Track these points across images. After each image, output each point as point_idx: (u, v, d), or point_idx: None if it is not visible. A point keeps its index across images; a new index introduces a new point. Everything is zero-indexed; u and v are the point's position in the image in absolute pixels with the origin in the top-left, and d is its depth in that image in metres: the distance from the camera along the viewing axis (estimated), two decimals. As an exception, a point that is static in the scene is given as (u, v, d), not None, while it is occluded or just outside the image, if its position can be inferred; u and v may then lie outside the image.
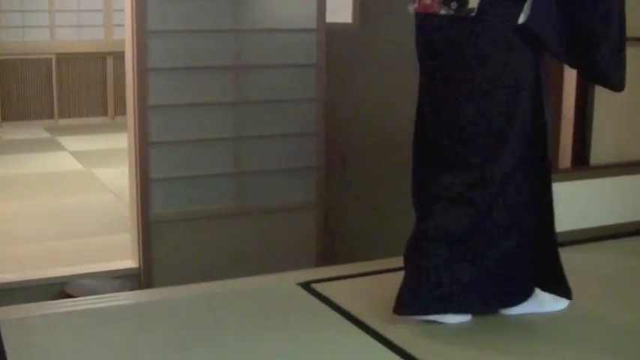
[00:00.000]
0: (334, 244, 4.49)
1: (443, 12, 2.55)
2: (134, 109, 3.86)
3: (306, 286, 2.92)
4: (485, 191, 2.58)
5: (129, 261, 4.02)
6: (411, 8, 2.71)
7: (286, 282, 2.98)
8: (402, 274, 2.91)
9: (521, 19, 2.49)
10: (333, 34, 4.35)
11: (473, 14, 2.49)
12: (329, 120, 4.44)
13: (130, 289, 3.80)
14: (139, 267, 3.94)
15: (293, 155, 4.16)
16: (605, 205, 3.58)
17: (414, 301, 2.61)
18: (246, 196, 4.09)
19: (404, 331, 2.55)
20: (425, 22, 2.65)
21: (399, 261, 3.25)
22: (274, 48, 4.07)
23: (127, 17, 3.85)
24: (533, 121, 2.59)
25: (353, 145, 4.87)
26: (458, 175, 2.62)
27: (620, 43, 2.59)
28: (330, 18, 4.32)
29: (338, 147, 4.67)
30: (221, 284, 3.00)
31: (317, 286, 2.91)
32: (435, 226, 2.63)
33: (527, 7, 2.49)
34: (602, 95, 3.54)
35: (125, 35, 3.92)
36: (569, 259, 2.78)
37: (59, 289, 3.77)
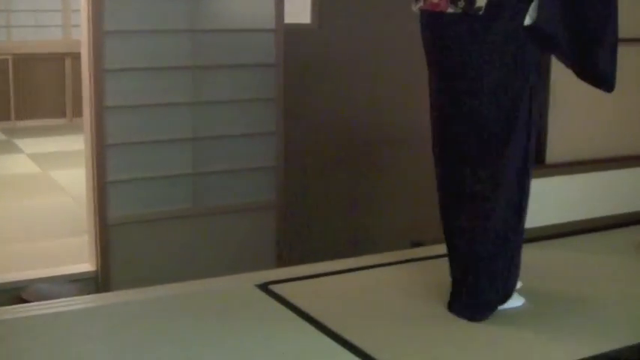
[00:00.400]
0: (294, 244, 4.49)
1: (450, 10, 2.56)
2: (90, 110, 3.82)
3: (264, 287, 2.91)
4: (498, 189, 2.64)
5: (86, 264, 3.98)
6: (416, 7, 2.74)
7: (244, 283, 2.97)
8: (360, 273, 2.95)
9: (527, 21, 2.53)
10: (291, 34, 4.35)
11: (481, 12, 2.51)
12: (288, 119, 4.43)
13: (88, 293, 3.75)
14: (97, 270, 3.90)
15: (252, 155, 4.14)
16: (559, 204, 3.63)
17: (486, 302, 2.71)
18: (205, 197, 4.07)
19: (361, 332, 2.55)
20: (431, 20, 2.67)
21: (356, 261, 3.29)
22: (233, 48, 4.05)
23: (83, 17, 3.81)
24: (529, 120, 2.64)
25: (312, 144, 4.87)
26: (477, 172, 2.66)
27: (616, 42, 2.65)
28: (289, 18, 4.31)
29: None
30: (179, 286, 2.97)
31: (275, 287, 2.91)
32: (484, 225, 2.68)
33: (532, 9, 2.53)
34: (556, 95, 3.59)
35: (81, 36, 3.88)
36: (523, 256, 2.82)
37: (15, 294, 3.72)
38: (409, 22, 4.96)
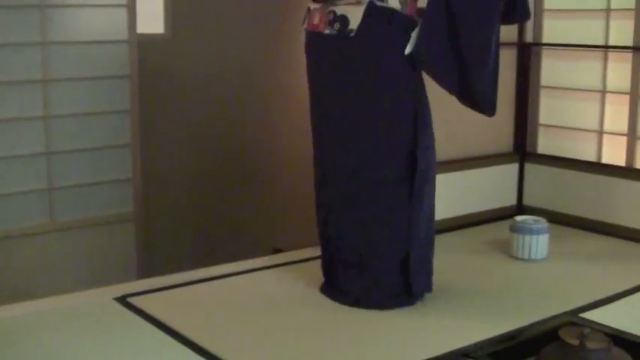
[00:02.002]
0: (155, 255, 4.48)
1: (327, 32, 2.82)
2: (-64, 127, 3.70)
3: (123, 300, 2.91)
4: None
5: (-61, 285, 3.85)
6: (302, 27, 2.99)
7: (102, 297, 2.95)
8: (220, 281, 2.98)
9: (408, 49, 2.72)
10: (145, 44, 4.33)
11: (352, 35, 2.74)
12: (146, 131, 4.42)
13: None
14: (-49, 291, 3.78)
15: (109, 168, 4.11)
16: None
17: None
18: (61, 212, 4.01)
19: (220, 340, 2.59)
20: (312, 39, 2.93)
21: (216, 270, 3.32)
22: (85, 60, 4.00)
23: None
24: (414, 137, 2.80)
25: (172, 154, 4.87)
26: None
27: (497, 68, 2.81)
28: (142, 28, 4.30)
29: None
30: (35, 304, 2.93)
31: (133, 300, 2.90)
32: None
33: (414, 36, 2.72)
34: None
35: None
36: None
37: None
38: (264, 29, 5.06)
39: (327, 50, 2.88)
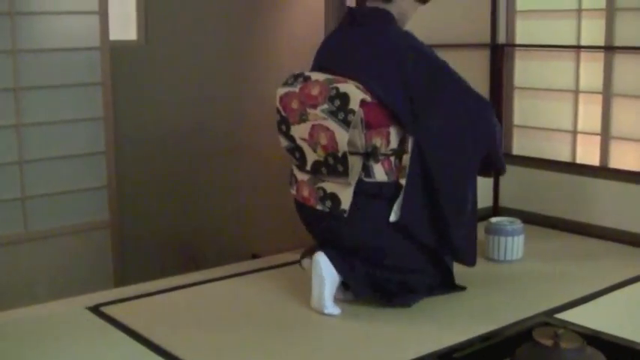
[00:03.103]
0: (132, 263, 4.45)
1: (319, 207, 2.85)
2: None
3: (96, 309, 2.89)
4: None
5: None
6: (291, 190, 3.01)
7: (75, 307, 2.93)
8: (196, 288, 2.97)
9: (393, 218, 2.80)
10: (118, 51, 4.31)
11: (345, 215, 2.79)
12: (120, 138, 4.40)
13: None
14: None
15: (83, 175, 4.07)
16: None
17: None
18: (36, 221, 3.97)
19: (195, 351, 2.57)
20: (304, 208, 2.95)
21: (191, 277, 3.31)
22: (57, 68, 3.96)
23: None
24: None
25: (147, 161, 4.85)
26: None
27: (474, 224, 2.97)
28: (115, 35, 4.28)
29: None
30: (7, 314, 2.91)
31: (106, 309, 2.89)
32: None
33: (397, 207, 2.80)
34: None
35: None
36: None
37: None
38: (237, 35, 5.05)
39: (320, 221, 2.92)
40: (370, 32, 2.91)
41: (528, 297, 3.07)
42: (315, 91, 2.80)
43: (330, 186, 2.84)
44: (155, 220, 4.87)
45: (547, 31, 4.23)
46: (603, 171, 3.96)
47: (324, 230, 2.92)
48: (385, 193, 2.82)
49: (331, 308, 2.84)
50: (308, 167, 2.88)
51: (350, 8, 3.14)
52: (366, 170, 2.82)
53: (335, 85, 2.77)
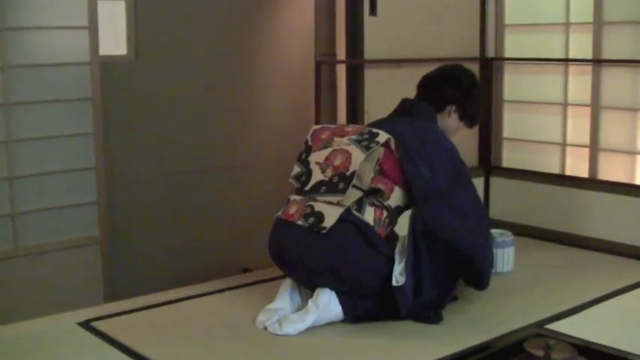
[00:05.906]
0: (122, 278, 4.44)
1: (300, 223, 2.87)
2: None
3: (86, 324, 2.88)
4: None
5: None
6: (277, 215, 3.03)
7: (65, 322, 2.92)
8: (186, 302, 2.96)
9: (395, 282, 2.82)
10: (108, 66, 4.31)
11: (324, 232, 2.81)
12: (111, 153, 4.39)
13: None
14: None
15: (73, 191, 4.06)
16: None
17: None
18: (26, 237, 3.96)
19: (185, 361, 2.57)
20: (282, 227, 2.97)
21: (182, 291, 3.30)
22: (47, 83, 3.96)
23: None
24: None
25: (138, 176, 4.84)
26: None
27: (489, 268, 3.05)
28: (104, 50, 4.28)
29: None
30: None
31: (97, 324, 2.88)
32: None
33: (397, 273, 2.84)
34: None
35: None
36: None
37: None
38: (227, 50, 5.06)
39: (298, 240, 2.90)
40: (418, 120, 3.12)
41: (520, 308, 3.08)
42: (349, 129, 3.02)
43: (319, 205, 2.89)
44: (145, 235, 4.86)
45: (536, 45, 4.26)
46: (592, 183, 3.98)
47: (300, 248, 2.90)
48: (367, 232, 2.85)
49: (294, 331, 2.83)
50: (307, 187, 2.95)
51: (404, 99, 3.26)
52: (359, 205, 2.87)
53: (370, 128, 2.99)
